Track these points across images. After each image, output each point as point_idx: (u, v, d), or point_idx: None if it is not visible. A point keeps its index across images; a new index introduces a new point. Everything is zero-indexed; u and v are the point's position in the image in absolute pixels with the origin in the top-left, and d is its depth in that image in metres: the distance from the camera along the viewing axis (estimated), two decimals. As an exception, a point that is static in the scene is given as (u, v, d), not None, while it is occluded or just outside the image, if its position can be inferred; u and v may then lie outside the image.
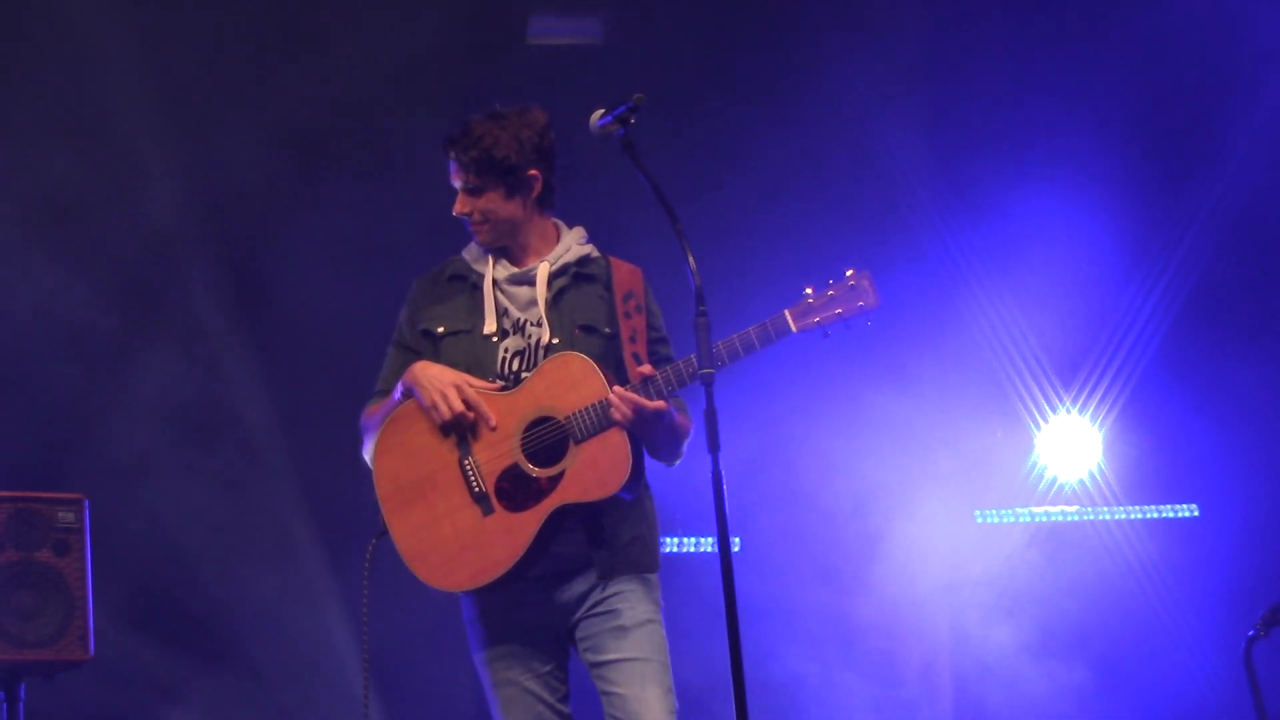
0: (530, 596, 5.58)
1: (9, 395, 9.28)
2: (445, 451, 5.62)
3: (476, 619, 5.68)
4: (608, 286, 5.71)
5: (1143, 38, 10.69)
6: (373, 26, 9.89)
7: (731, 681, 4.91)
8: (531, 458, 5.55)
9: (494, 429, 5.57)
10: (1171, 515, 10.74)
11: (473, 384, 5.61)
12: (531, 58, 10.19)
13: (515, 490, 5.55)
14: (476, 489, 5.57)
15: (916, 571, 10.22)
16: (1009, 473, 10.64)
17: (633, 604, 5.60)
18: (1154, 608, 10.54)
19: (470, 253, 5.87)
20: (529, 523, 5.50)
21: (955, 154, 10.63)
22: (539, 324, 5.70)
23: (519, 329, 5.72)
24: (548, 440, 5.54)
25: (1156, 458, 10.74)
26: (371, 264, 9.66)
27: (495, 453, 5.58)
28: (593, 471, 5.48)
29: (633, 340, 5.66)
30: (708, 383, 5.03)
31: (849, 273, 5.56)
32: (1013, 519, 10.62)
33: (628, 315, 5.69)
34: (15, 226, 9.34)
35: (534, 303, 5.73)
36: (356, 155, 9.93)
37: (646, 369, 5.51)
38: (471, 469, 5.58)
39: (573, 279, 5.79)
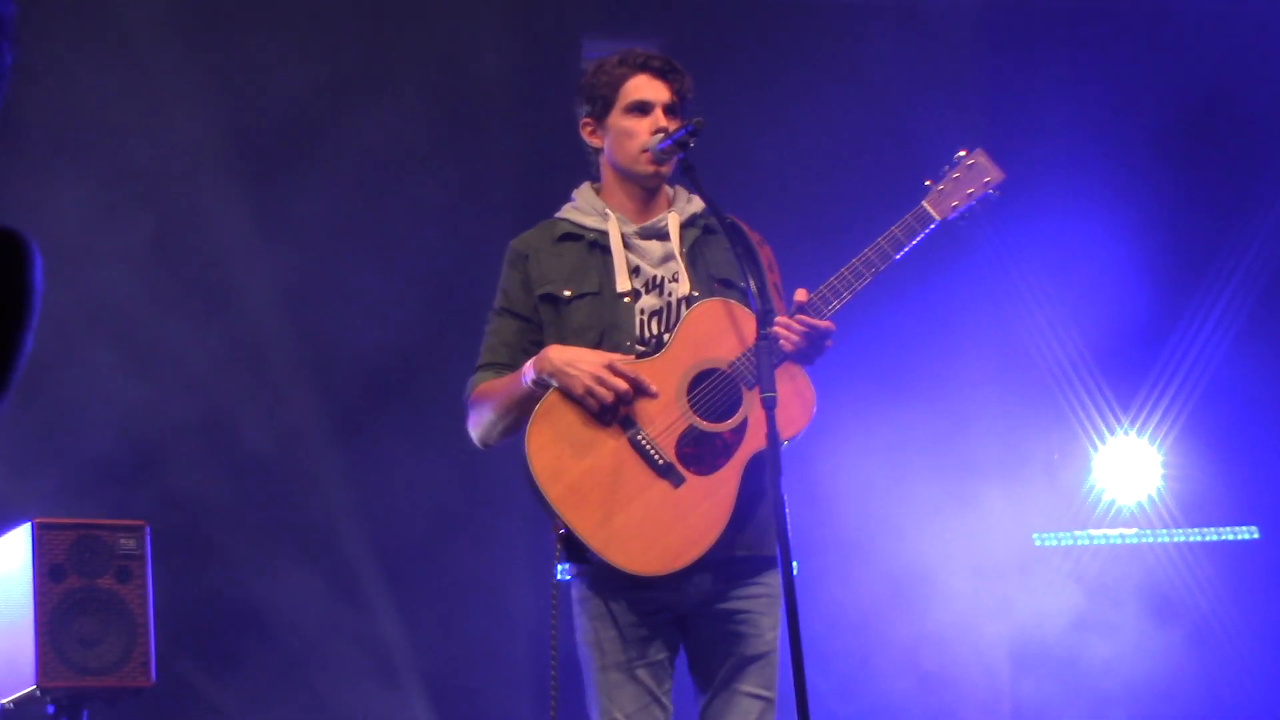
0: (657, 580, 5.24)
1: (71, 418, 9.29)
2: (610, 435, 5.26)
3: (591, 598, 5.36)
4: (742, 242, 5.25)
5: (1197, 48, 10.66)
6: (424, 45, 9.88)
7: (795, 705, 4.89)
8: (705, 416, 5.27)
9: (656, 396, 5.25)
10: (1231, 538, 10.68)
11: (617, 359, 5.28)
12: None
13: (701, 452, 5.28)
14: (660, 461, 5.24)
15: (974, 594, 10.17)
16: (1067, 495, 10.59)
17: (757, 628, 5.39)
18: (1214, 631, 10.47)
19: (573, 213, 5.56)
20: (728, 480, 5.23)
21: (1013, 163, 10.56)
22: (675, 279, 5.42)
23: (654, 286, 5.43)
24: (718, 394, 5.28)
25: (1216, 479, 10.67)
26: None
27: (666, 421, 5.27)
28: (783, 409, 5.06)
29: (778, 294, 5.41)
30: (770, 407, 4.89)
31: (962, 153, 5.62)
32: (1070, 541, 10.56)
33: (770, 267, 5.45)
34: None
35: (669, 257, 5.46)
36: (410, 185, 9.91)
37: (802, 293, 5.31)
38: (647, 443, 5.24)
39: (702, 231, 5.53)
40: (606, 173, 5.59)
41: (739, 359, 5.26)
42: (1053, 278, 10.53)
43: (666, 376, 5.29)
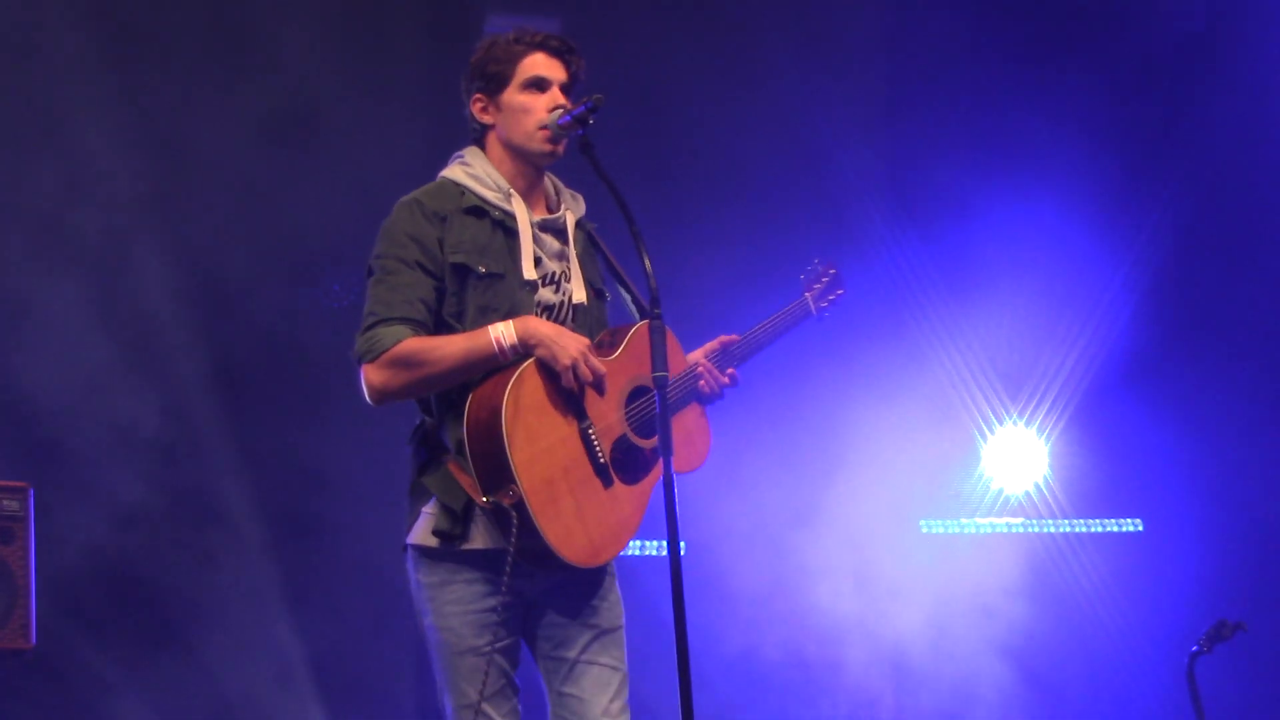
0: (518, 568, 5.16)
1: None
2: (568, 421, 5.22)
3: (442, 583, 5.27)
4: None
5: (1100, 38, 10.77)
6: (328, 24, 9.84)
7: (679, 688, 4.88)
8: (637, 430, 5.33)
9: (604, 396, 5.27)
10: (1116, 529, 10.78)
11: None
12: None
13: (628, 461, 5.31)
14: (600, 460, 5.24)
15: (861, 580, 10.22)
16: (955, 483, 10.66)
17: (609, 600, 5.42)
18: (1099, 621, 10.58)
19: (473, 183, 5.41)
20: (644, 494, 5.34)
21: (902, 163, 10.67)
22: (568, 278, 5.41)
23: (552, 281, 5.40)
24: (648, 412, 5.32)
25: (1102, 471, 10.78)
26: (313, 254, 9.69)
27: (608, 422, 5.29)
28: (688, 444, 5.34)
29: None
30: (661, 386, 4.92)
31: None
32: (958, 529, 10.64)
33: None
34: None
35: (564, 256, 5.44)
36: (312, 149, 9.86)
37: (731, 337, 5.54)
38: (594, 438, 5.24)
39: (586, 235, 5.55)
40: (496, 150, 5.46)
41: (672, 383, 5.28)
42: (942, 271, 10.60)
43: (613, 382, 5.31)
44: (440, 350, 5.19)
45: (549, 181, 5.56)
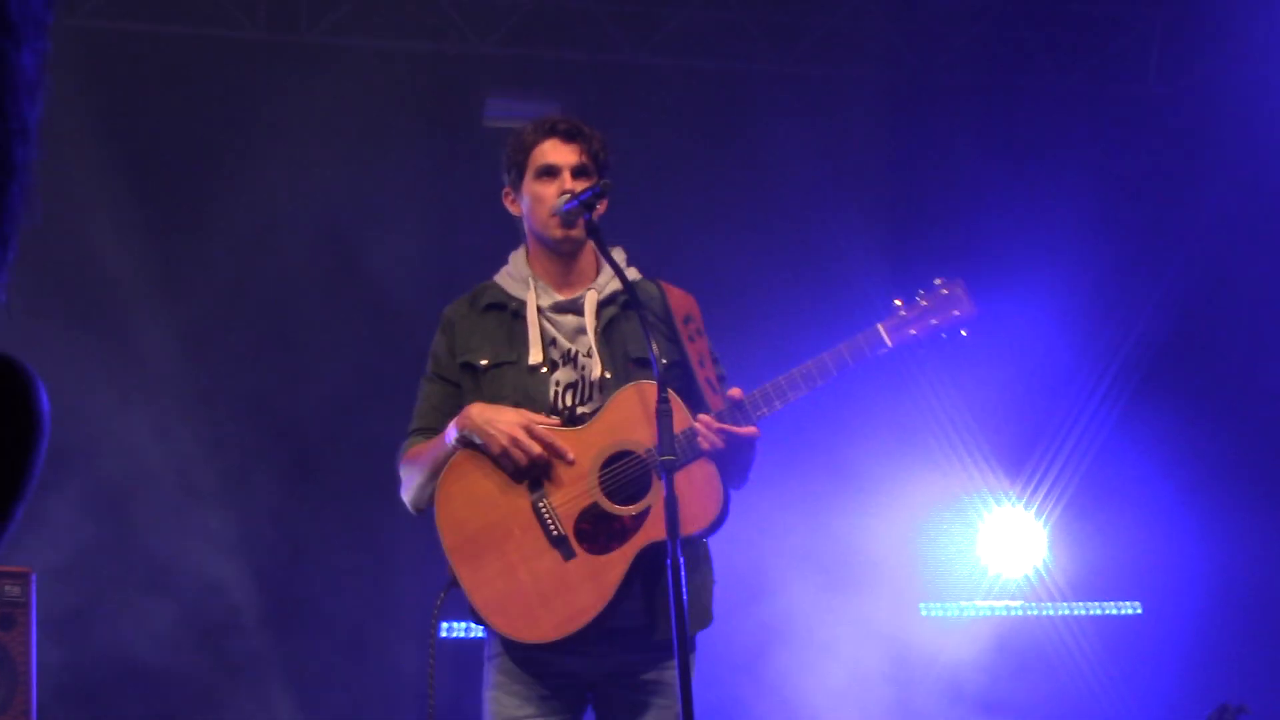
0: (571, 646, 5.19)
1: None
2: (515, 495, 5.23)
3: (501, 654, 5.32)
4: (664, 313, 5.32)
5: (1097, 138, 10.86)
6: (331, 103, 9.91)
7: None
8: (611, 496, 5.20)
9: (571, 464, 5.20)
10: (1115, 612, 10.77)
11: (539, 421, 5.24)
12: (488, 139, 10.23)
13: (597, 531, 5.21)
14: (555, 532, 5.19)
15: (861, 663, 10.19)
16: (956, 566, 10.65)
17: (666, 699, 5.31)
18: (1099, 704, 10.56)
19: (504, 279, 5.52)
20: (615, 564, 5.16)
21: (902, 248, 10.68)
22: (589, 355, 5.37)
23: (569, 360, 5.38)
24: (628, 476, 5.20)
25: (1100, 554, 10.78)
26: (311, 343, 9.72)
27: (572, 493, 5.22)
28: (693, 503, 5.10)
29: (701, 365, 5.34)
30: (670, 469, 4.84)
31: (938, 281, 5.45)
32: (958, 612, 10.62)
33: (691, 339, 5.36)
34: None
35: (582, 331, 5.40)
36: (316, 236, 9.90)
37: (736, 392, 5.23)
38: (547, 511, 5.21)
39: (621, 308, 5.44)
40: (530, 240, 5.54)
41: (656, 446, 5.07)
42: (942, 352, 10.59)
43: (582, 449, 5.23)
44: (420, 454, 5.39)
45: (590, 260, 5.53)
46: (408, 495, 5.45)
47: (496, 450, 5.20)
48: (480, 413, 5.25)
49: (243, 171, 9.77)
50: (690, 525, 5.12)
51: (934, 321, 5.40)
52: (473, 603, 5.21)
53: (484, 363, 5.40)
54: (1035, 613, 10.71)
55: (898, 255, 10.53)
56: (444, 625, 8.79)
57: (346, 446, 8.94)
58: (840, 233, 10.51)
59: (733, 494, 5.35)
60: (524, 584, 5.19)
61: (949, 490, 10.68)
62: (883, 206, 10.78)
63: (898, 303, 5.43)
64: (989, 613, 10.65)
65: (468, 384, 5.42)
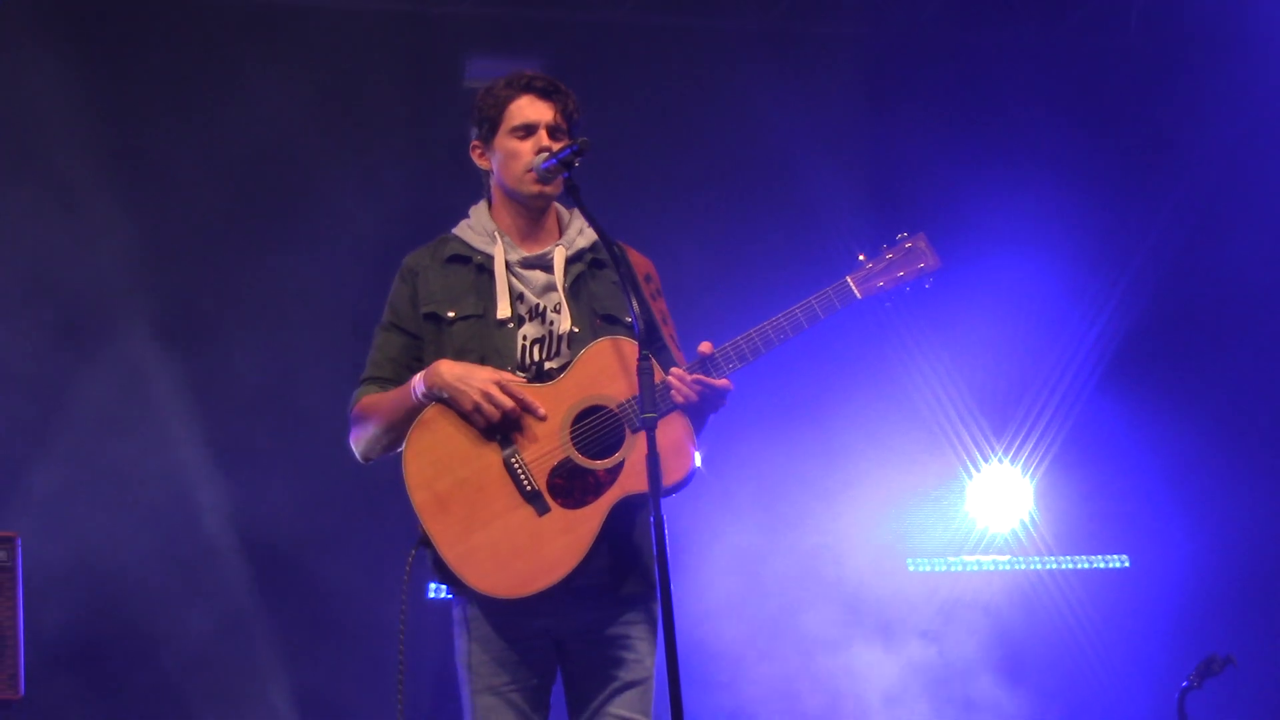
0: (537, 605, 5.21)
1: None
2: (486, 451, 5.23)
3: (470, 620, 5.31)
4: (624, 271, 5.23)
5: (1080, 81, 10.85)
6: (309, 68, 9.89)
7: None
8: (584, 451, 5.21)
9: (543, 419, 5.20)
10: (1103, 565, 10.79)
11: (510, 379, 5.24)
12: (469, 100, 10.19)
13: (571, 486, 5.21)
14: (528, 487, 5.19)
15: (849, 619, 10.22)
16: (942, 522, 10.67)
17: (637, 653, 5.35)
18: (1087, 658, 10.59)
19: (466, 232, 5.51)
20: (590, 518, 5.16)
21: (887, 200, 10.67)
22: (557, 310, 5.37)
23: (537, 315, 5.39)
24: (600, 431, 5.21)
25: (1087, 508, 10.80)
26: (310, 306, 9.70)
27: (544, 448, 5.23)
28: (674, 455, 5.10)
29: (665, 323, 5.40)
30: (650, 427, 4.88)
31: (901, 235, 5.52)
32: (944, 567, 10.64)
33: (653, 298, 5.42)
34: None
35: (551, 288, 5.40)
36: (291, 198, 9.90)
37: (706, 347, 5.25)
38: (519, 467, 5.20)
39: (589, 265, 5.47)
40: (496, 194, 5.53)
41: (628, 401, 5.20)
42: (929, 310, 10.60)
43: (554, 405, 5.24)
44: (377, 405, 5.38)
45: (560, 216, 5.56)
46: (359, 446, 5.44)
47: (468, 406, 5.20)
48: (450, 369, 5.25)
49: (219, 135, 9.74)
50: (668, 476, 5.11)
51: (900, 274, 5.48)
52: (445, 558, 5.20)
53: (450, 314, 5.40)
54: (1023, 567, 10.72)
55: (878, 212, 10.52)
56: (431, 586, 8.79)
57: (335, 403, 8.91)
58: (820, 190, 10.50)
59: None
60: (497, 539, 5.19)
61: (936, 447, 10.68)
62: (862, 163, 10.76)
63: (861, 257, 5.49)
64: (976, 567, 10.66)
65: (429, 335, 5.42)
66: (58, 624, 8.96)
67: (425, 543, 5.26)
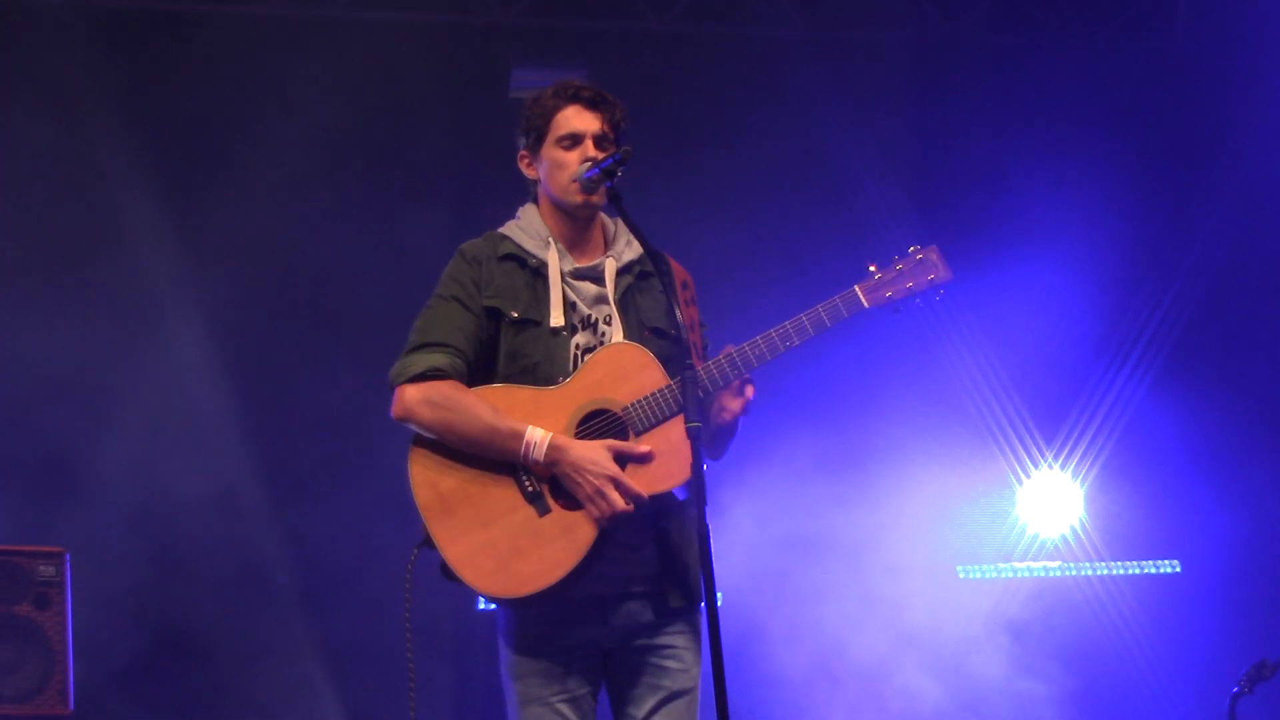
0: (583, 614, 5.25)
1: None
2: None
3: (515, 630, 5.32)
4: (667, 282, 5.25)
5: (1126, 83, 10.82)
6: (357, 78, 9.92)
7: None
8: None
9: (551, 420, 5.22)
10: (1154, 571, 10.74)
11: (617, 447, 5.20)
12: (514, 110, 10.20)
13: None
14: (530, 488, 5.20)
15: (900, 626, 10.19)
16: (992, 528, 10.63)
17: (683, 663, 5.35)
18: (1138, 663, 10.54)
19: (517, 233, 5.49)
20: (590, 520, 5.17)
21: (935, 209, 10.65)
22: (609, 322, 5.40)
23: (588, 325, 5.41)
24: (604, 434, 5.23)
25: (1138, 514, 10.75)
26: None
27: None
28: (657, 462, 5.18)
29: (692, 329, 5.37)
30: (695, 437, 4.87)
31: (913, 247, 5.49)
32: (995, 574, 10.60)
33: (687, 304, 5.41)
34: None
35: (602, 299, 5.43)
36: (343, 210, 9.94)
37: (731, 349, 5.30)
38: (523, 467, 5.23)
39: (637, 278, 5.49)
40: (544, 203, 5.53)
41: (634, 404, 5.23)
42: (979, 315, 10.58)
43: (560, 408, 5.27)
44: (469, 411, 5.25)
45: (605, 228, 5.57)
46: (427, 421, 5.28)
47: (587, 491, 5.15)
48: (582, 452, 5.17)
49: (268, 149, 9.77)
50: (667, 481, 5.20)
51: (909, 285, 5.46)
52: (445, 557, 5.21)
53: (514, 314, 5.37)
54: (1073, 573, 10.68)
55: (925, 220, 10.48)
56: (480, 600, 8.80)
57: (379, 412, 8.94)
58: (866, 198, 10.49)
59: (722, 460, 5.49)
60: (498, 539, 5.19)
61: (986, 453, 10.65)
62: (909, 170, 10.73)
63: (872, 267, 5.47)
64: (1026, 574, 10.63)
65: (487, 328, 5.39)
66: (107, 638, 8.99)
67: (427, 543, 5.25)
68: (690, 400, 4.92)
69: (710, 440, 5.40)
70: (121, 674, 9.14)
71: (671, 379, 5.23)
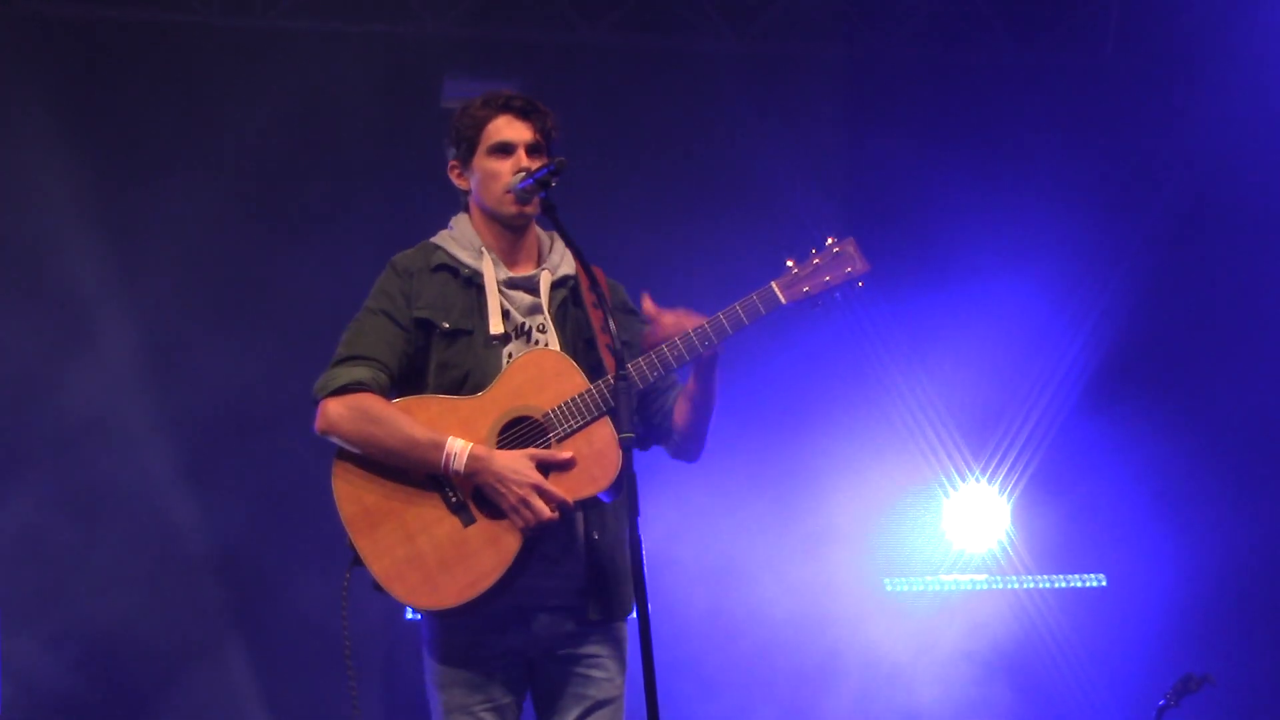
0: (505, 624, 5.24)
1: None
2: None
3: (438, 640, 5.29)
4: (601, 294, 5.20)
5: (1057, 99, 10.88)
6: (287, 87, 9.89)
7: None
8: None
9: (472, 430, 5.18)
10: (1080, 585, 10.80)
11: (539, 455, 5.17)
12: (446, 121, 10.18)
13: None
14: (453, 499, 5.17)
15: (827, 638, 10.21)
16: (920, 540, 10.67)
17: (608, 672, 5.36)
18: (1065, 676, 10.59)
19: (450, 243, 5.46)
20: (515, 528, 5.13)
21: (866, 224, 10.67)
22: (543, 330, 5.37)
23: (523, 333, 5.38)
24: (525, 441, 5.19)
25: (1064, 528, 10.80)
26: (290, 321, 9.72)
27: None
28: (580, 467, 5.15)
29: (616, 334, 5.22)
30: (628, 448, 4.87)
31: (830, 240, 5.40)
32: (922, 587, 10.63)
33: (614, 312, 5.26)
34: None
35: (536, 309, 5.39)
36: (274, 219, 9.92)
37: (651, 352, 5.25)
38: (445, 479, 5.20)
39: (570, 291, 5.47)
40: (475, 213, 5.49)
41: (554, 411, 5.20)
42: (907, 328, 10.62)
43: (481, 417, 5.24)
44: (390, 424, 5.22)
45: (538, 239, 5.54)
46: (349, 434, 5.24)
47: (511, 501, 5.11)
48: (504, 461, 5.13)
49: (198, 158, 9.74)
50: (591, 486, 5.17)
51: (826, 279, 5.35)
52: (372, 573, 5.17)
53: (445, 325, 5.34)
54: (1000, 586, 10.72)
55: (854, 233, 10.46)
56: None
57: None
58: (799, 211, 10.49)
59: (691, 464, 5.54)
60: (424, 551, 5.16)
61: (913, 466, 10.69)
62: (838, 183, 10.76)
63: (790, 262, 5.40)
64: (954, 587, 10.66)
65: (417, 340, 5.36)
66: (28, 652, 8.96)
67: (357, 562, 5.21)
68: (625, 410, 4.91)
69: (685, 436, 5.44)
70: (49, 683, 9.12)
71: (591, 384, 5.20)
